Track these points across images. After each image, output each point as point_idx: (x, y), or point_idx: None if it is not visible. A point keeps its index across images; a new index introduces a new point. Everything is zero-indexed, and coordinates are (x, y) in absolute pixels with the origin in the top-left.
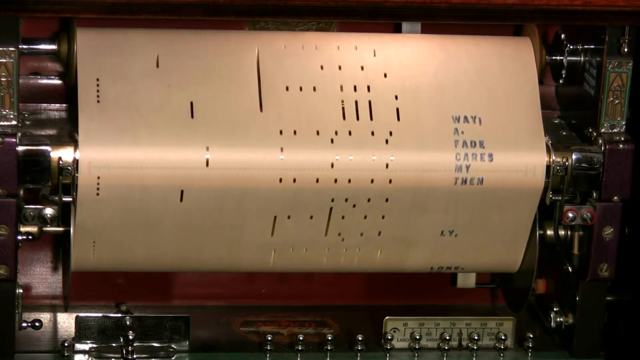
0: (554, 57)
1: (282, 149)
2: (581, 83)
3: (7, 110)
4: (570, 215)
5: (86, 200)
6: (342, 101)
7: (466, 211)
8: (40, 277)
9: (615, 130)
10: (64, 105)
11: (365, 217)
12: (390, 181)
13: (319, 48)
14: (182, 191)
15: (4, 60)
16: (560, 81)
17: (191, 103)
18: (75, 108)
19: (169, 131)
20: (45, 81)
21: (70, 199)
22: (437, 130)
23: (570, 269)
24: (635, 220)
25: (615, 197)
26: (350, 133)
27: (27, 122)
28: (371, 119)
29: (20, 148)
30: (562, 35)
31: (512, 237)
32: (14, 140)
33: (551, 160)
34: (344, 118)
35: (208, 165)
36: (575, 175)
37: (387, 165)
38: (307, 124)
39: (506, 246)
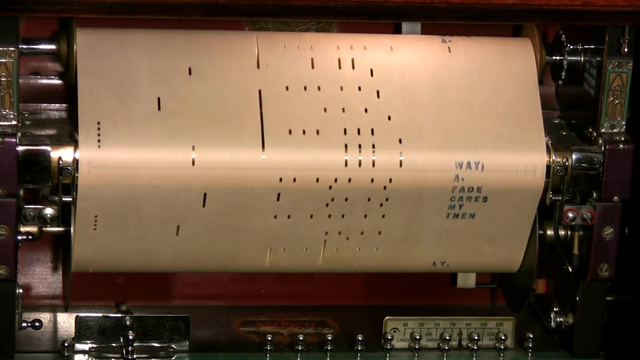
0: (553, 57)
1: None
2: (581, 83)
3: (7, 110)
4: (570, 215)
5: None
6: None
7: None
8: (40, 277)
9: (615, 130)
10: (64, 105)
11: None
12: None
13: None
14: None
15: (4, 60)
16: (560, 81)
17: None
18: (75, 108)
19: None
20: (45, 81)
21: (70, 199)
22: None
23: (570, 269)
24: (635, 220)
25: (615, 197)
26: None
27: (27, 122)
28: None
29: (20, 148)
30: (562, 35)
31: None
32: (14, 140)
33: (551, 160)
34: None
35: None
36: (575, 175)
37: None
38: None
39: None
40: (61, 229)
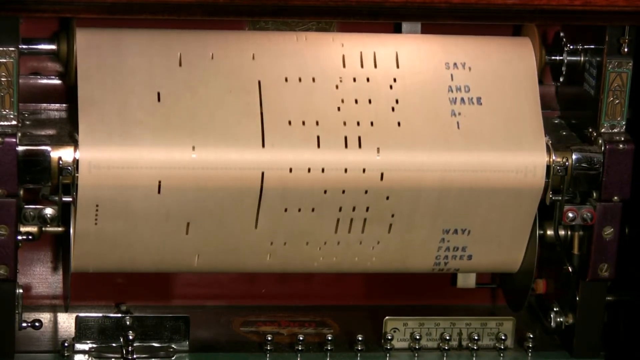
0: (553, 57)
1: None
2: (581, 83)
3: (7, 110)
4: (570, 215)
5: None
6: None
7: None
8: (40, 277)
9: (615, 130)
10: (64, 105)
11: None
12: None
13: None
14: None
15: (4, 60)
16: (560, 81)
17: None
18: (75, 108)
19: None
20: (45, 81)
21: (70, 199)
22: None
23: (570, 269)
24: (635, 220)
25: (615, 197)
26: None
27: (27, 122)
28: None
29: (20, 148)
30: (562, 36)
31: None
32: (14, 140)
33: (551, 160)
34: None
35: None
36: (575, 175)
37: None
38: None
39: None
40: (61, 229)
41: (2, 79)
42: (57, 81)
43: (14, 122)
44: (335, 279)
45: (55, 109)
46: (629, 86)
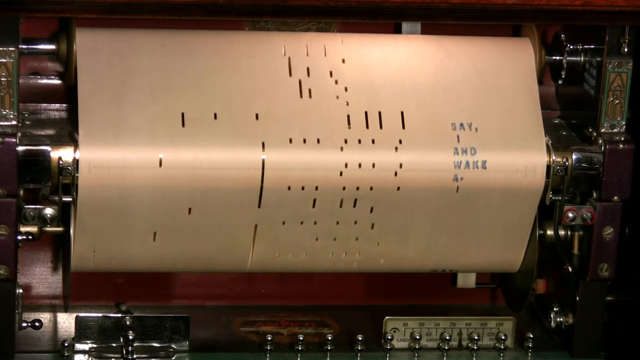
0: (553, 57)
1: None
2: (581, 83)
3: (7, 110)
4: (570, 215)
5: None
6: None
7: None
8: (40, 277)
9: (615, 130)
10: (64, 105)
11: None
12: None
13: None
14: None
15: (4, 60)
16: (560, 81)
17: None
18: (75, 108)
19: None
20: (45, 81)
21: (70, 199)
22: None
23: (570, 269)
24: (635, 220)
25: (615, 197)
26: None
27: (27, 122)
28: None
29: (20, 148)
30: (562, 35)
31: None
32: (14, 140)
33: (551, 160)
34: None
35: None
36: (575, 175)
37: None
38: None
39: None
40: (61, 229)
41: (2, 79)
42: (57, 81)
43: (14, 122)
44: (335, 279)
45: (55, 109)
46: (629, 86)
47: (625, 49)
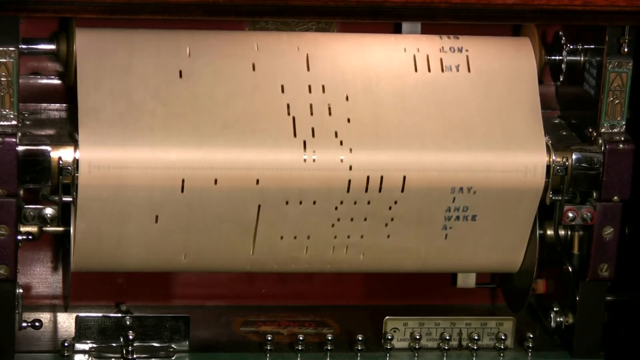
0: (553, 57)
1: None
2: (581, 83)
3: (7, 110)
4: (570, 215)
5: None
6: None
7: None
8: (40, 277)
9: (615, 130)
10: (64, 105)
11: (365, 218)
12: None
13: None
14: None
15: (4, 60)
16: (560, 81)
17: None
18: (75, 108)
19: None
20: (45, 81)
21: (70, 199)
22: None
23: (570, 269)
24: (635, 220)
25: (615, 197)
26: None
27: (27, 122)
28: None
29: (20, 148)
30: (562, 35)
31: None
32: (14, 140)
33: (551, 160)
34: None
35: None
36: (575, 175)
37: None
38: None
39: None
40: (61, 229)
41: (2, 79)
42: (57, 81)
43: (14, 122)
44: (335, 279)
45: (55, 109)
46: (629, 86)
47: (625, 49)
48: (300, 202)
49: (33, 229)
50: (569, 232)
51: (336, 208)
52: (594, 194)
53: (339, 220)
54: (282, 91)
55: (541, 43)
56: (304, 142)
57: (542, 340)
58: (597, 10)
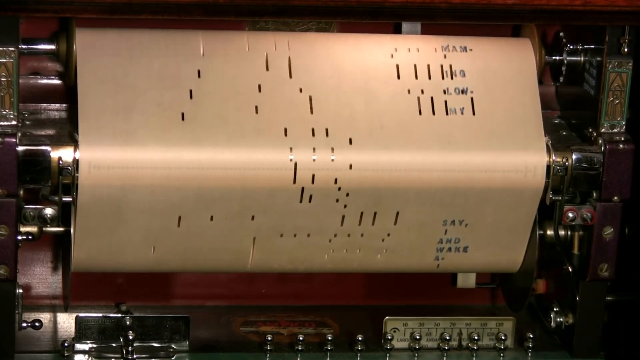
0: (553, 57)
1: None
2: (581, 83)
3: (7, 110)
4: (570, 215)
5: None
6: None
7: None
8: (40, 277)
9: (615, 130)
10: (64, 105)
11: (365, 216)
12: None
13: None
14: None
15: (4, 60)
16: (560, 81)
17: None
18: (75, 108)
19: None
20: (45, 81)
21: (70, 199)
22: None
23: (570, 269)
24: (635, 220)
25: (615, 197)
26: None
27: (27, 122)
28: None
29: (20, 148)
30: (562, 35)
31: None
32: (14, 140)
33: (551, 160)
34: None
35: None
36: (575, 175)
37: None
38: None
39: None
40: (61, 229)
41: (2, 79)
42: (57, 81)
43: (14, 122)
44: (335, 279)
45: (55, 109)
46: (629, 86)
47: (625, 49)
48: (295, 235)
49: (33, 229)
50: (569, 232)
51: (330, 240)
52: (594, 194)
53: (332, 251)
54: (285, 135)
55: (541, 43)
56: (302, 189)
57: (542, 340)
58: (597, 10)
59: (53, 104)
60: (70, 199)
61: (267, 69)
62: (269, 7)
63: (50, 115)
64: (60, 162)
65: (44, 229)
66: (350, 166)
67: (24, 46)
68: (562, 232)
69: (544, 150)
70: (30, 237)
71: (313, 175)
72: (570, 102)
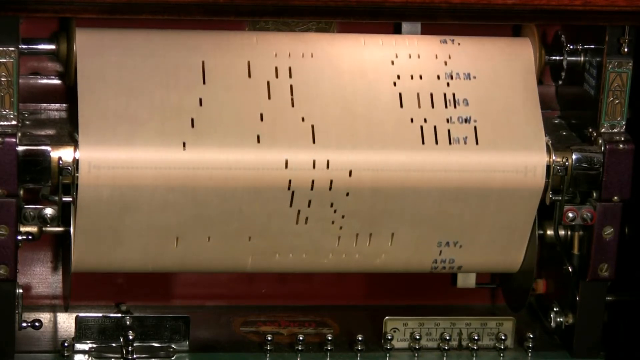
0: (553, 57)
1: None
2: (581, 83)
3: (7, 110)
4: (570, 215)
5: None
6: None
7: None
8: (40, 277)
9: (615, 130)
10: (64, 105)
11: (366, 217)
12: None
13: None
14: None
15: (4, 60)
16: (560, 81)
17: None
18: (75, 108)
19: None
20: (45, 81)
21: (70, 199)
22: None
23: (570, 269)
24: (635, 220)
25: (615, 197)
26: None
27: (27, 122)
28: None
29: (20, 148)
30: (562, 35)
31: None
32: (14, 140)
33: (551, 160)
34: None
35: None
36: (575, 175)
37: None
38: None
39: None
40: (61, 229)
41: (2, 79)
42: (57, 81)
43: (14, 122)
44: (335, 279)
45: (55, 109)
46: (629, 86)
47: (625, 49)
48: (290, 255)
49: (33, 229)
50: (569, 232)
51: (325, 261)
52: (594, 194)
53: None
54: (286, 167)
55: (541, 43)
56: (298, 211)
57: (542, 340)
58: (597, 10)
59: (53, 104)
60: (70, 199)
61: (269, 97)
62: (269, 7)
63: (50, 115)
64: (60, 162)
65: (44, 229)
66: (347, 194)
67: (24, 46)
68: (562, 232)
69: (544, 150)
70: (30, 237)
71: (310, 201)
72: (570, 102)
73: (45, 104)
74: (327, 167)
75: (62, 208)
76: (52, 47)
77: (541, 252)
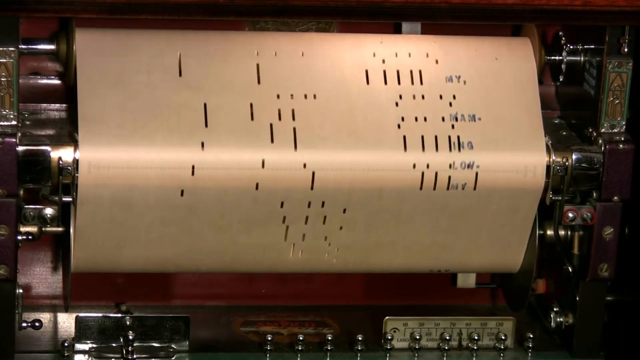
0: (553, 57)
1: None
2: (581, 83)
3: (7, 110)
4: (570, 215)
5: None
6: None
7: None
8: (40, 277)
9: (615, 130)
10: (64, 105)
11: (366, 217)
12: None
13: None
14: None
15: (4, 60)
16: (559, 81)
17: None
18: (75, 108)
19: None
20: (45, 81)
21: (70, 199)
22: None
23: (570, 269)
24: (635, 220)
25: (615, 197)
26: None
27: (27, 122)
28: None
29: (20, 148)
30: (562, 35)
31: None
32: (14, 140)
33: (551, 160)
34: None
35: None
36: (575, 175)
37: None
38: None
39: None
40: (61, 229)
41: (2, 79)
42: (57, 81)
43: (14, 122)
44: (335, 279)
45: (55, 109)
46: (629, 86)
47: (625, 49)
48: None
49: (33, 229)
50: (569, 232)
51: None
52: (594, 194)
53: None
54: (281, 206)
55: (541, 43)
56: (293, 245)
57: (542, 340)
58: (597, 10)
59: (53, 104)
60: (70, 199)
61: (272, 141)
62: (269, 7)
63: (50, 115)
64: (60, 162)
65: (44, 229)
66: (341, 227)
67: (24, 46)
68: (562, 232)
69: (544, 150)
70: (30, 237)
71: (304, 234)
72: (570, 102)
73: (45, 104)
74: (323, 206)
75: (62, 208)
76: (52, 47)
77: (541, 252)
